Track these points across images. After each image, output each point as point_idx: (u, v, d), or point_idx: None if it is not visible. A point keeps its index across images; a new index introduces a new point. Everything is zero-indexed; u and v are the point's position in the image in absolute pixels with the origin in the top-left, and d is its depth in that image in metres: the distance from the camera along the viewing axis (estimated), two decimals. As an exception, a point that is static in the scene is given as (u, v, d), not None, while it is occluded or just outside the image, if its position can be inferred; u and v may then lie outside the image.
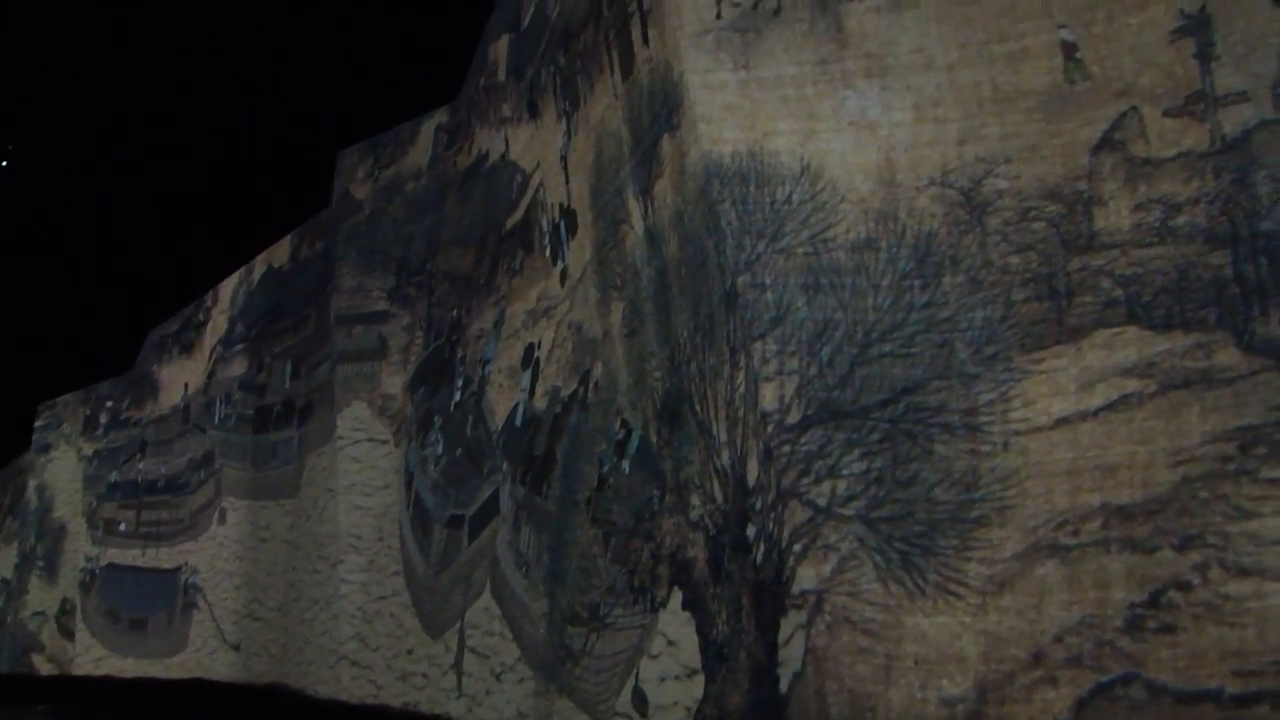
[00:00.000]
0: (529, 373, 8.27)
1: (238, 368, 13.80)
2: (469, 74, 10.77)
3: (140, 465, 15.49)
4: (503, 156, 9.37)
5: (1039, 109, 5.33)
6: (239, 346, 13.98)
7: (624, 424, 6.60)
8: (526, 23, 9.04)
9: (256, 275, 14.12)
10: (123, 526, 15.47)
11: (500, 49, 9.78)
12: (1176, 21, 5.28)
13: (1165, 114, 5.19)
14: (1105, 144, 5.25)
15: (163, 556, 14.29)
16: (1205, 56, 5.19)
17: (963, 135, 5.37)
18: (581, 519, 7.00)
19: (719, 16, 5.73)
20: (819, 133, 5.49)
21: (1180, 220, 5.05)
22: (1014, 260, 5.14)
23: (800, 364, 5.15)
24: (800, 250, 5.30)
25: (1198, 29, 5.24)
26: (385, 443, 10.68)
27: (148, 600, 14.40)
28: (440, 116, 11.44)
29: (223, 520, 13.18)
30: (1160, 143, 5.17)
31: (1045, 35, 5.43)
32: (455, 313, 10.04)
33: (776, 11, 5.72)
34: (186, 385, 14.95)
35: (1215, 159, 5.07)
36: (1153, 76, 5.25)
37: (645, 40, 6.38)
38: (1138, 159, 5.18)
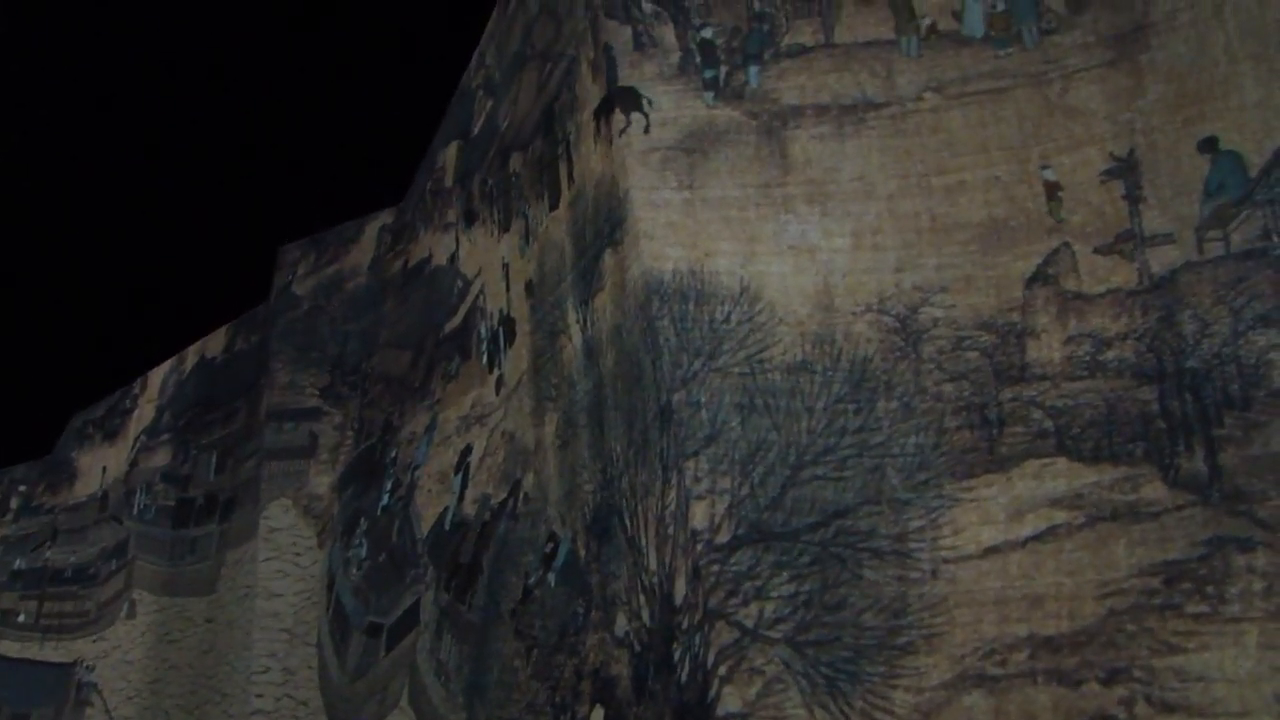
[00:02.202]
0: (460, 477, 8.17)
1: (162, 458, 13.52)
2: (416, 177, 10.87)
3: (48, 553, 15.00)
4: (448, 260, 9.40)
5: (975, 241, 5.49)
6: (165, 436, 13.72)
7: (552, 536, 6.52)
8: (477, 130, 9.17)
9: (189, 365, 13.94)
10: (21, 617, 14.91)
11: (449, 154, 9.89)
12: (1107, 163, 5.49)
13: (1096, 251, 5.38)
14: (1038, 278, 5.40)
15: (61, 650, 13.79)
16: (1134, 198, 5.40)
17: (900, 264, 5.50)
18: (505, 631, 6.86)
19: (646, 132, 5.88)
20: (759, 255, 5.59)
21: (1110, 355, 5.19)
22: (947, 388, 5.23)
23: (732, 484, 5.15)
24: (737, 370, 5.35)
25: (1127, 171, 5.45)
26: (309, 543, 10.45)
27: (34, 694, 13.81)
28: (385, 217, 11.49)
29: (131, 614, 12.76)
30: (1091, 279, 5.34)
31: (982, 170, 5.63)
32: (388, 414, 9.95)
33: (723, 134, 5.90)
34: (105, 469, 14.62)
35: (1144, 297, 5.24)
36: (1084, 214, 5.45)
37: (593, 155, 6.48)
38: (1069, 293, 5.34)
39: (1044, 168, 5.54)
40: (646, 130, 5.94)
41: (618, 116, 6.06)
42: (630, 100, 6.03)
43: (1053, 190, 5.50)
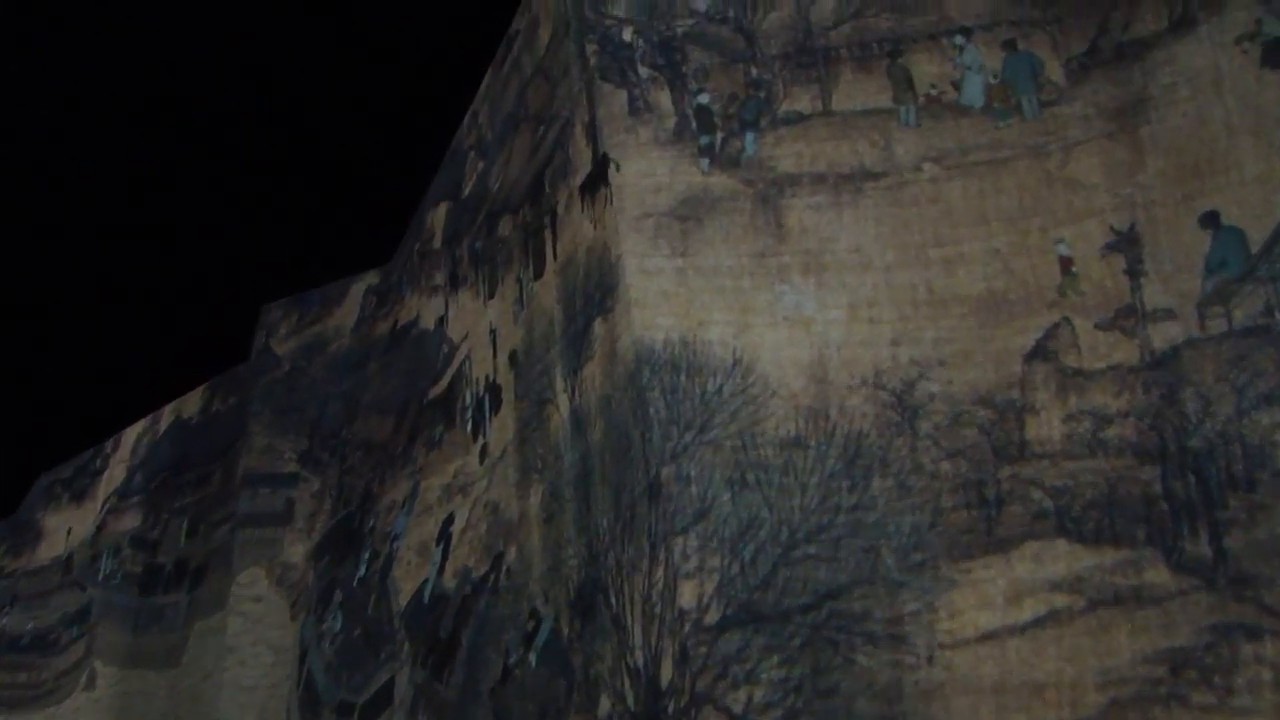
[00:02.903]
0: (440, 549, 8.11)
1: (131, 521, 13.41)
2: (405, 238, 10.93)
3: (5, 619, 14.81)
4: (436, 324, 9.42)
5: (973, 314, 5.52)
6: (135, 498, 13.61)
7: (534, 613, 6.46)
8: (467, 191, 9.23)
9: (163, 425, 13.88)
10: (-29, 689, 14.67)
11: (438, 216, 9.96)
12: (1108, 237, 5.53)
13: (1097, 326, 5.41)
14: (1038, 353, 5.42)
15: (12, 724, 13.56)
16: (1135, 272, 5.44)
17: (897, 336, 5.52)
18: (483, 711, 6.77)
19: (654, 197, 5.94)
20: (753, 325, 5.62)
21: (1111, 433, 5.20)
22: (945, 466, 5.22)
23: (722, 562, 5.12)
24: (728, 444, 5.35)
25: (1127, 245, 5.49)
26: (281, 615, 10.33)
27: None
28: (370, 278, 11.52)
29: (90, 685, 12.56)
30: (1092, 355, 5.36)
31: (980, 242, 5.67)
32: (367, 482, 9.90)
33: (717, 201, 5.95)
34: (70, 531, 14.49)
35: (1145, 374, 5.26)
36: (1085, 289, 5.49)
37: (584, 221, 6.53)
38: (1070, 369, 5.36)
39: (1058, 242, 5.59)
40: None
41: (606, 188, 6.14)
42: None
43: (1066, 265, 5.55)
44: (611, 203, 6.06)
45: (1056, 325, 5.44)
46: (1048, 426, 5.25)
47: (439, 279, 9.57)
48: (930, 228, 5.70)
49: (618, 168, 6.10)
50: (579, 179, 6.63)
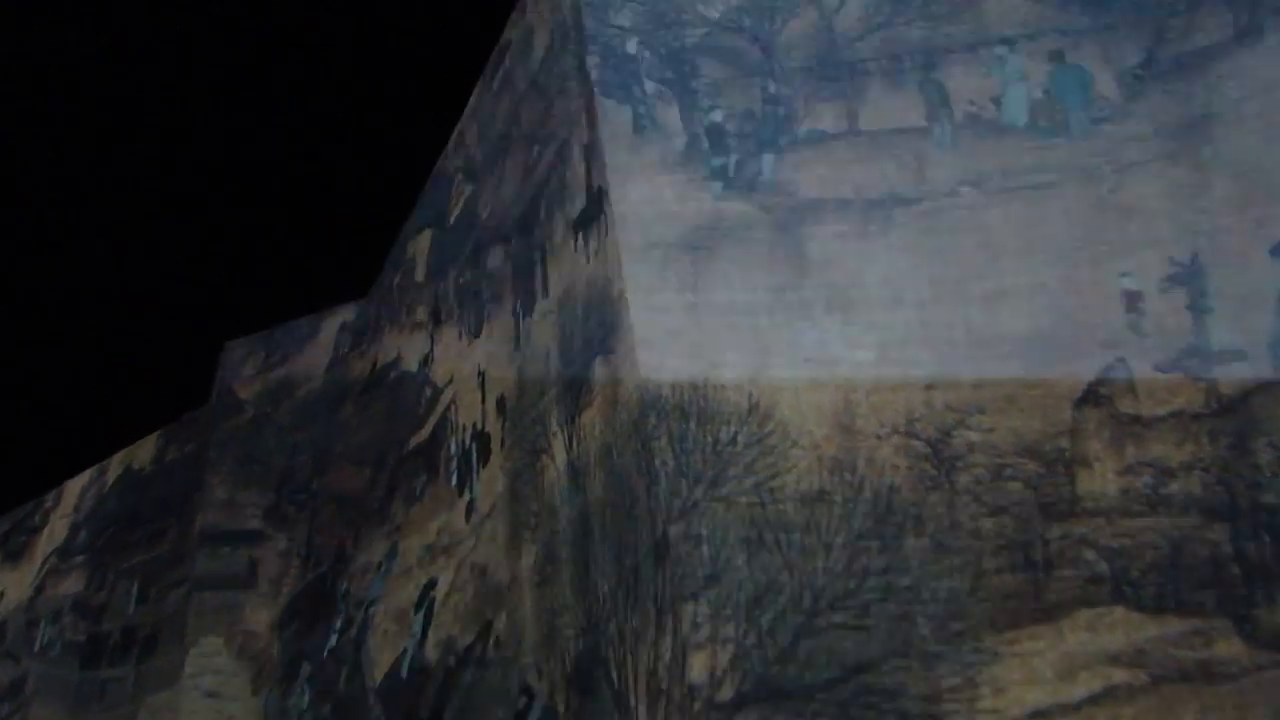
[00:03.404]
0: (421, 616, 8.10)
1: (73, 583, 13.37)
2: (384, 270, 10.99)
3: (-75, 701, 14.74)
4: (419, 365, 9.45)
5: (1017, 355, 5.54)
6: (79, 558, 13.59)
7: (526, 689, 6.45)
8: (454, 219, 9.31)
9: (111, 476, 13.87)
10: (-119, 779, 14.57)
11: (421, 245, 10.04)
12: (1168, 269, 5.56)
13: (1156, 369, 5.44)
14: (1090, 398, 5.43)
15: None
16: (1199, 309, 5.47)
17: (932, 380, 5.54)
18: (469, 800, 6.75)
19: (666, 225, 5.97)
20: (772, 367, 5.63)
21: (1173, 488, 5.20)
22: (986, 524, 5.22)
23: (737, 631, 5.11)
24: (743, 499, 5.35)
25: (1190, 278, 5.52)
26: (242, 689, 10.29)
27: None
28: (345, 314, 11.56)
29: (23, 775, 12.50)
30: (1150, 400, 5.38)
31: (1024, 275, 5.70)
32: (340, 540, 9.89)
33: (732, 230, 5.98)
34: (2, 595, 14.46)
35: (1211, 421, 5.28)
36: (1144, 328, 5.51)
37: (583, 251, 6.58)
38: (1125, 416, 5.37)
39: (1123, 275, 5.60)
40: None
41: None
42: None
43: (1134, 300, 5.56)
44: (612, 232, 6.10)
45: (1110, 367, 5.46)
46: (1102, 480, 5.26)
47: (421, 315, 9.62)
48: (969, 259, 5.74)
49: (606, 201, 6.13)
50: (577, 206, 6.69)
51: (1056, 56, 6.14)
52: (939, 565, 5.15)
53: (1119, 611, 5.00)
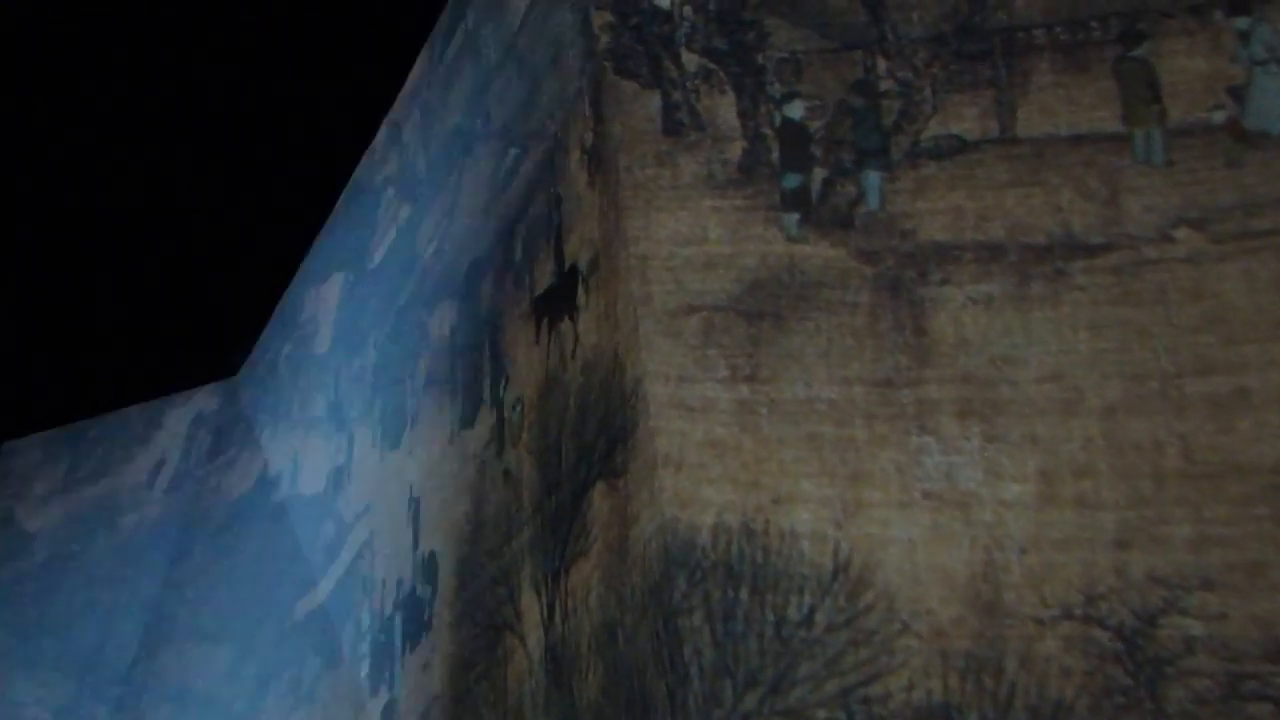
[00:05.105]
0: None
1: None
2: (263, 335, 11.15)
3: None
4: (326, 486, 9.46)
5: (1265, 496, 5.34)
6: None
7: None
8: (379, 256, 9.37)
9: None
10: None
11: (326, 297, 10.14)
12: None
13: None
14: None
15: None
16: None
17: (1125, 533, 5.39)
18: None
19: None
20: (870, 506, 5.55)
21: None
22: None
23: None
24: (822, 715, 5.22)
25: None
26: None
27: None
28: (203, 400, 11.66)
29: None
30: None
31: (1278, 367, 5.53)
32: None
33: (814, 287, 5.93)
34: None
35: None
36: None
37: (585, 314, 6.59)
38: None
39: None
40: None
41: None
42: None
43: None
44: (627, 286, 6.05)
45: (1406, 516, 5.33)
46: None
47: (321, 407, 9.63)
48: (1187, 340, 5.59)
49: (619, 237, 6.06)
50: (573, 243, 6.70)
51: (1330, 30, 6.10)
52: (1134, 832, 5.05)
53: None
